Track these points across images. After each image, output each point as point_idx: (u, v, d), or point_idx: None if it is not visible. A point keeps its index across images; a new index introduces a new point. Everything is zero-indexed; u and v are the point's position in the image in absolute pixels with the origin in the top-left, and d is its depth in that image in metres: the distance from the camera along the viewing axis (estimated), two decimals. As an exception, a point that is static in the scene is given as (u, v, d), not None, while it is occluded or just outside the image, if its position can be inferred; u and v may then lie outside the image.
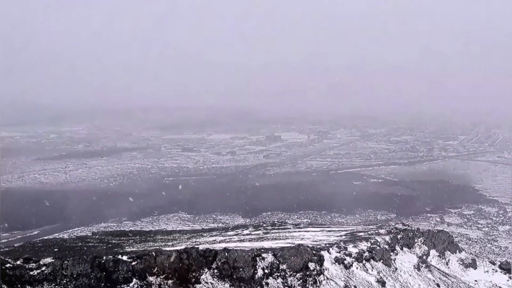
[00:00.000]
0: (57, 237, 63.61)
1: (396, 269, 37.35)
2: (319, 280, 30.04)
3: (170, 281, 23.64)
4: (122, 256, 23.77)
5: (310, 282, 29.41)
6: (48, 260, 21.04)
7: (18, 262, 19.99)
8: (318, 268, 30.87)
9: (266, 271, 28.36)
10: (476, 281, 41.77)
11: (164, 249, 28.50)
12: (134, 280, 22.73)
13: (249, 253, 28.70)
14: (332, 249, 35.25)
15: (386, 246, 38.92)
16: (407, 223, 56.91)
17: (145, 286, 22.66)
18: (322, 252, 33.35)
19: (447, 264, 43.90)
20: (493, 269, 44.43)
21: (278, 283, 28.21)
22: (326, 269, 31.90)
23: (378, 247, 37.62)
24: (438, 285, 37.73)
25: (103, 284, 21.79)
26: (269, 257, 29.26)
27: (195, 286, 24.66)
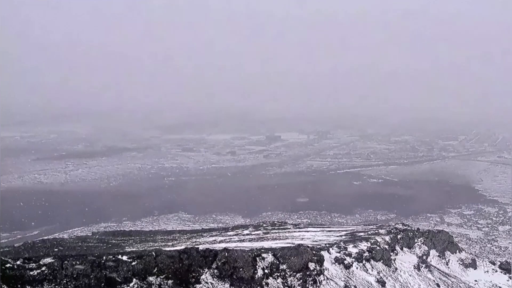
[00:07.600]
0: (57, 237, 63.48)
1: (396, 269, 37.34)
2: (319, 280, 30.02)
3: (170, 281, 23.62)
4: (122, 256, 23.74)
5: (310, 282, 29.39)
6: (48, 260, 21.00)
7: (18, 262, 19.95)
8: (318, 268, 30.84)
9: (266, 271, 28.33)
10: (476, 281, 41.77)
11: (164, 249, 28.49)
12: (134, 280, 22.70)
13: (249, 253, 28.66)
14: (332, 249, 35.25)
15: (386, 246, 38.91)
16: (407, 223, 56.88)
17: (145, 286, 22.63)
18: (322, 252, 33.32)
19: (447, 264, 43.90)
20: (493, 269, 44.45)
21: (278, 283, 28.18)
22: (326, 269, 31.89)
23: (378, 247, 37.61)
24: (438, 285, 37.72)
25: (103, 284, 21.77)
26: (269, 257, 29.22)
27: (195, 286, 24.64)
